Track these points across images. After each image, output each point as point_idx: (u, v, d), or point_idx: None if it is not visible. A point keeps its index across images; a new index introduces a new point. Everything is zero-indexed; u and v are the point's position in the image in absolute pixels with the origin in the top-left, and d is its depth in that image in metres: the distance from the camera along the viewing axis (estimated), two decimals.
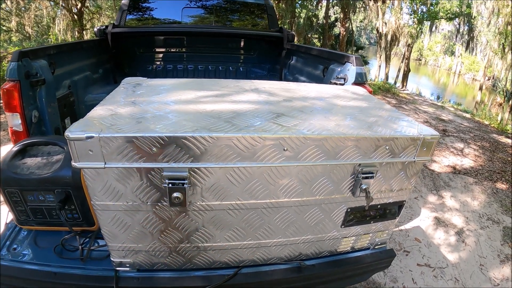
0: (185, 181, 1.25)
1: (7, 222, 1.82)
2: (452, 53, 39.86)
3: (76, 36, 13.68)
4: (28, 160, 1.65)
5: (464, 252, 3.46)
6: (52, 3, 14.56)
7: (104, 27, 3.69)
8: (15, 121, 1.94)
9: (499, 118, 12.58)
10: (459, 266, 3.22)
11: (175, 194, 1.26)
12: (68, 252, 1.65)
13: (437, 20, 15.65)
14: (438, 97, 20.50)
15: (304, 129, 1.31)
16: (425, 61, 48.10)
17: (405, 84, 17.98)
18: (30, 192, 1.59)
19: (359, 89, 2.09)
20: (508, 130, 9.49)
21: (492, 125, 9.98)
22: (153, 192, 1.29)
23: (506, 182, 5.25)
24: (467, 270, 3.18)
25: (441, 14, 13.67)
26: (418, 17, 14.85)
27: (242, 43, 4.77)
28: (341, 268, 1.73)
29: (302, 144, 1.28)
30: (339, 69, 2.51)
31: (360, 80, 2.29)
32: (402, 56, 15.54)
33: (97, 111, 1.35)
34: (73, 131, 1.14)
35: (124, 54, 4.09)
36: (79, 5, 13.03)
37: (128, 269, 1.54)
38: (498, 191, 4.91)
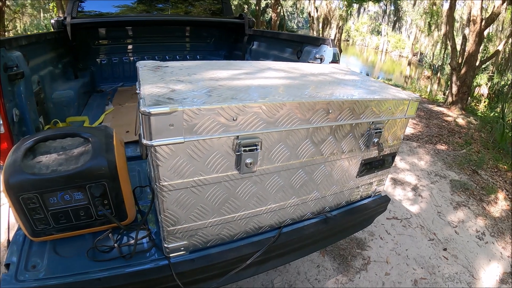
0: (257, 146, 1.33)
1: (9, 238, 1.56)
2: (379, 33, 42.37)
3: None
4: (42, 158, 1.42)
5: (422, 203, 4.02)
6: None
7: (62, 18, 3.48)
8: None
9: (428, 90, 13.90)
10: (421, 216, 3.76)
11: (248, 160, 1.33)
12: (103, 254, 1.49)
13: (365, 3, 16.54)
14: (367, 74, 21.75)
15: (340, 95, 1.53)
16: (353, 41, 50.62)
17: None
18: (53, 194, 1.38)
19: (343, 66, 2.39)
20: (439, 100, 10.58)
21: (423, 96, 11.06)
22: (225, 162, 1.32)
23: (445, 143, 6.00)
24: (428, 218, 3.73)
25: None
26: (347, 0, 15.58)
27: (200, 31, 4.83)
28: (355, 216, 1.99)
29: (340, 107, 1.51)
30: (314, 50, 2.77)
31: (335, 60, 2.59)
32: (334, 38, 16.31)
33: (149, 89, 1.27)
34: (151, 107, 1.08)
35: (79, 47, 3.87)
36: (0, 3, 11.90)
37: (182, 253, 1.48)
38: (440, 152, 5.62)
